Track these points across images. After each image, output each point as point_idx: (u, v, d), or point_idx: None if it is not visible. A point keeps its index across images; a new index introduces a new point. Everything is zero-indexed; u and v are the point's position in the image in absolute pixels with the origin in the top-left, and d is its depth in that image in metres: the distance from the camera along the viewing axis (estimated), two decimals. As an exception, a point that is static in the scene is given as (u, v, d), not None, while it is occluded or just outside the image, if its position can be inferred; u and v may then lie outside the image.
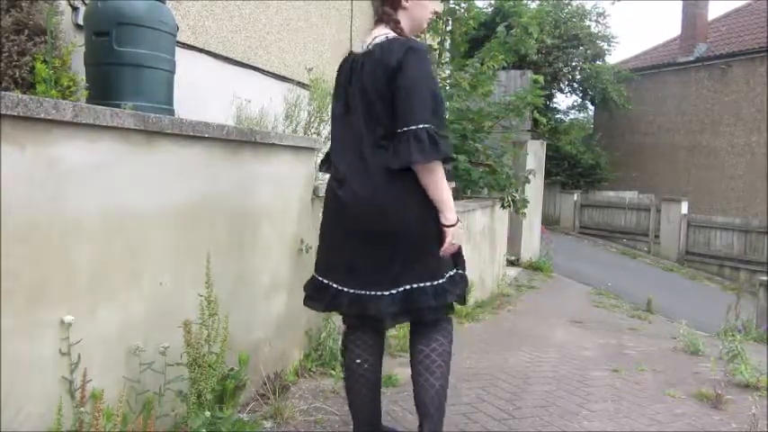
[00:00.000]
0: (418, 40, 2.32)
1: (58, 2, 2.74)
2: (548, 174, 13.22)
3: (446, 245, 2.04)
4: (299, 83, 4.49)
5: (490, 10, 13.49)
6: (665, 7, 66.73)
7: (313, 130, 3.95)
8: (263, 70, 4.44)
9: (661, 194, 15.92)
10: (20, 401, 1.63)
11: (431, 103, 2.00)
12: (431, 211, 2.03)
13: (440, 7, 2.31)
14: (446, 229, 2.03)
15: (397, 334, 3.75)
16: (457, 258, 2.19)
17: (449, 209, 2.03)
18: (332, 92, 2.34)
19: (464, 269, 2.24)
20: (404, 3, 2.17)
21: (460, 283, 2.18)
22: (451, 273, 2.14)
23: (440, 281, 2.07)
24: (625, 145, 19.07)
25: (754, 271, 12.41)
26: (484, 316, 5.48)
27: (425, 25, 2.28)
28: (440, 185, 2.01)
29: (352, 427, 2.46)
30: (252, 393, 2.59)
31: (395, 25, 2.15)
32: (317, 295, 2.20)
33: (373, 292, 2.05)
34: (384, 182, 2.02)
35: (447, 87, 6.48)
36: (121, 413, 1.81)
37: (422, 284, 2.04)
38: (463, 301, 2.22)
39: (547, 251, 10.47)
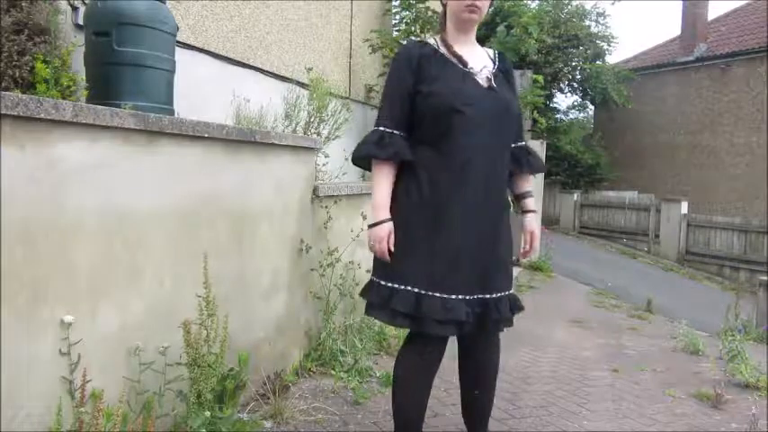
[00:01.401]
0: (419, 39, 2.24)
1: (58, 2, 2.74)
2: (548, 174, 13.22)
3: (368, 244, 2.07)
4: (299, 83, 4.49)
5: (490, 10, 13.48)
6: (665, 7, 66.75)
7: (313, 130, 3.95)
8: (263, 70, 4.44)
9: (661, 194, 15.91)
10: (20, 401, 1.63)
11: (385, 104, 2.09)
12: (395, 208, 2.03)
13: None
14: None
15: (398, 334, 3.75)
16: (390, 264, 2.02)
17: (373, 208, 2.05)
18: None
19: (388, 279, 2.00)
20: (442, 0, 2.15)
21: (374, 292, 2.05)
22: (375, 280, 2.06)
23: (373, 279, 2.09)
24: (625, 145, 19.06)
25: (754, 271, 12.39)
26: (484, 316, 5.47)
27: (465, 16, 2.07)
28: (373, 185, 2.06)
29: (351, 427, 2.47)
30: (252, 393, 2.58)
31: (440, 26, 2.18)
32: None
33: None
34: None
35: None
36: (121, 413, 1.81)
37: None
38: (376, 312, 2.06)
39: (547, 251, 10.46)
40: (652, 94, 18.69)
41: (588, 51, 17.41)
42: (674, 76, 18.46)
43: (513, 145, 2.19)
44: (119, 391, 1.88)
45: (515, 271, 8.89)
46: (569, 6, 17.44)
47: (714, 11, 22.61)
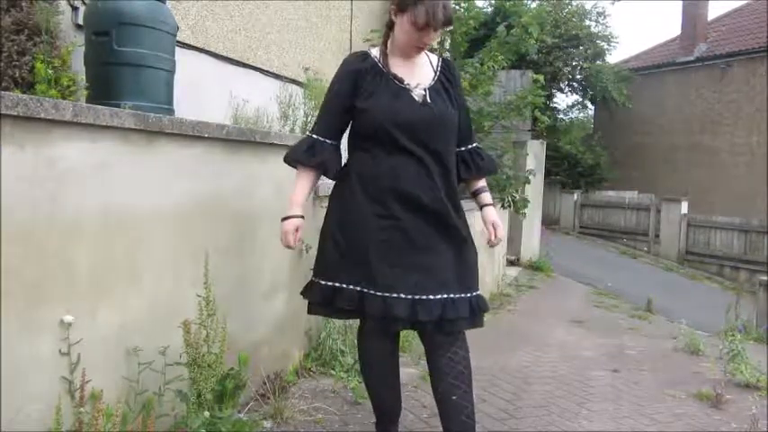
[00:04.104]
0: None
1: (58, 2, 2.74)
2: (548, 174, 13.20)
3: None
4: (299, 82, 4.49)
5: (490, 10, 13.47)
6: (665, 7, 66.73)
7: (313, 130, 3.94)
8: (263, 70, 4.44)
9: (661, 194, 15.90)
10: (20, 401, 1.63)
11: (322, 113, 2.20)
12: (330, 207, 2.20)
13: (431, 39, 2.05)
14: None
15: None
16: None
17: (288, 203, 2.19)
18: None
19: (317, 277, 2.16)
20: (392, 15, 2.06)
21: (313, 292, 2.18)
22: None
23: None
24: (625, 145, 19.04)
25: (754, 271, 12.38)
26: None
27: (412, 55, 2.09)
28: (295, 184, 2.22)
29: (351, 427, 2.47)
30: (252, 393, 2.58)
31: (384, 37, 2.12)
32: None
33: None
34: None
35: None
36: (121, 413, 1.81)
37: None
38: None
39: (547, 251, 10.46)
40: (652, 94, 18.69)
41: (588, 51, 17.41)
42: (673, 76, 18.46)
43: (462, 149, 2.22)
44: (118, 391, 1.88)
45: (515, 271, 8.94)
46: (569, 6, 17.44)
47: (714, 11, 22.59)
